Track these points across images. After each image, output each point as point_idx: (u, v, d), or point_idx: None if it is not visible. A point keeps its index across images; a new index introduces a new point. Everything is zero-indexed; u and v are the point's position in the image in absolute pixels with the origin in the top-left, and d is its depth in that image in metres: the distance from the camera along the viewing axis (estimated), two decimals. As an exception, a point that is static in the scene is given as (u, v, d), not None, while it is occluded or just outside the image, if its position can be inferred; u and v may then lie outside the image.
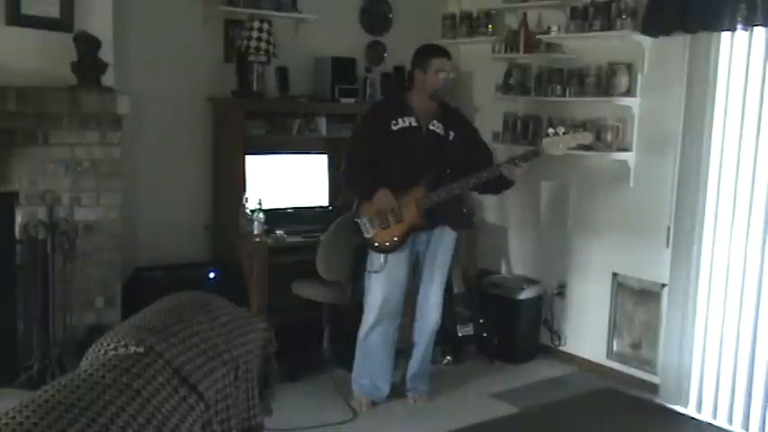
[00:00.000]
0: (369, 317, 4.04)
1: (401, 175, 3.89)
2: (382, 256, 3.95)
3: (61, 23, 3.83)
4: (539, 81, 4.86)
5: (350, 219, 4.02)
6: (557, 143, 3.80)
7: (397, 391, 4.20)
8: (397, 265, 3.97)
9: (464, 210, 4.25)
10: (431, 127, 3.96)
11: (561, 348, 4.94)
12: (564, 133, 3.82)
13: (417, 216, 3.90)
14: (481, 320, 4.79)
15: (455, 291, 4.76)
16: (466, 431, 3.15)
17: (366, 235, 3.95)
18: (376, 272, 3.97)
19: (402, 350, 4.25)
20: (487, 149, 4.19)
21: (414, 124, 3.94)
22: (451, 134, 3.98)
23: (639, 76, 4.39)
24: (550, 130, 3.86)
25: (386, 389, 4.13)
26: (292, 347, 3.96)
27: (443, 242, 4.06)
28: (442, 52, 4.00)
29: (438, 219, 3.97)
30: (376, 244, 3.95)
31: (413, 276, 4.10)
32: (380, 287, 3.98)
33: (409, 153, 3.91)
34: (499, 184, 3.99)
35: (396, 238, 3.92)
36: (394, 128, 3.93)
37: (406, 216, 3.89)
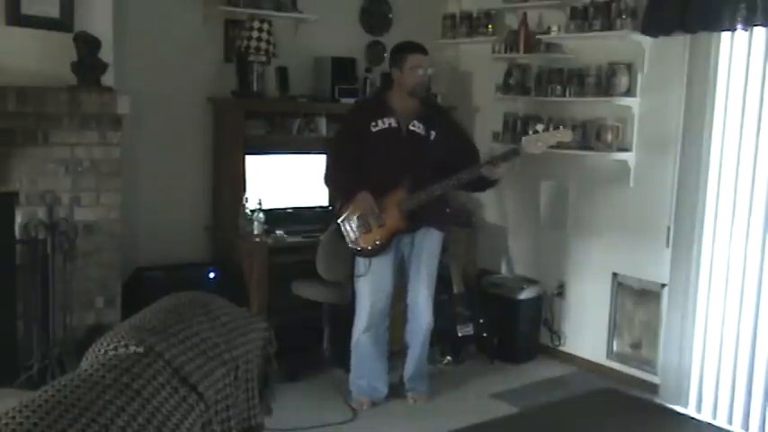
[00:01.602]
0: (359, 321, 4.05)
1: (382, 178, 3.87)
2: (367, 260, 3.94)
3: (61, 23, 3.83)
4: (539, 81, 4.86)
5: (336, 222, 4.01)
6: (535, 141, 3.77)
7: (397, 391, 4.20)
8: (382, 268, 3.96)
9: (448, 210, 4.23)
10: (411, 127, 3.94)
11: (561, 348, 4.94)
12: (544, 131, 3.79)
13: (399, 219, 3.88)
14: (481, 320, 4.79)
15: (455, 291, 4.77)
16: (466, 431, 3.15)
17: (348, 239, 3.94)
18: (361, 276, 3.97)
19: (398, 351, 4.26)
20: (472, 147, 4.16)
21: (393, 125, 3.92)
22: (433, 133, 3.95)
23: (639, 76, 4.39)
24: (530, 129, 3.85)
25: (383, 389, 4.14)
26: (292, 347, 3.95)
27: (428, 243, 4.02)
28: (418, 48, 3.96)
29: (421, 220, 3.94)
30: (359, 248, 3.94)
31: (399, 279, 4.08)
32: (367, 291, 3.98)
33: (389, 155, 3.89)
34: (482, 184, 3.98)
35: (378, 242, 3.90)
36: (373, 129, 3.91)
37: (388, 219, 3.87)
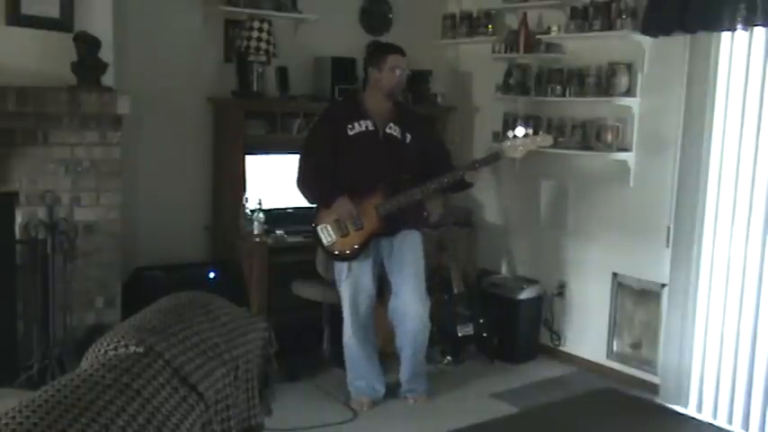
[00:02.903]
0: (346, 325, 4.05)
1: (359, 181, 3.86)
2: (345, 264, 3.93)
3: (61, 23, 3.83)
4: (539, 81, 4.86)
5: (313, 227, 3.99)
6: (516, 146, 3.79)
7: (396, 391, 4.20)
8: (362, 272, 3.95)
9: (425, 212, 4.22)
10: (388, 130, 3.93)
11: (561, 348, 4.94)
12: (524, 136, 3.80)
13: (377, 222, 3.86)
14: (481, 320, 4.79)
15: (455, 291, 4.77)
16: (466, 431, 3.15)
17: (325, 243, 3.93)
18: (342, 280, 3.97)
19: (393, 353, 4.25)
20: (444, 149, 4.18)
21: (370, 128, 3.91)
22: (408, 136, 3.96)
23: (639, 76, 4.39)
24: (510, 133, 3.86)
25: (381, 389, 4.14)
26: (292, 347, 3.96)
27: (408, 245, 4.00)
28: (397, 49, 3.97)
29: (399, 223, 3.93)
30: (336, 252, 3.93)
31: (381, 282, 4.06)
32: (348, 294, 3.98)
33: (367, 158, 3.89)
34: (460, 187, 3.98)
35: (356, 246, 3.89)
36: (350, 132, 3.90)
37: (366, 222, 3.86)
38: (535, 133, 3.89)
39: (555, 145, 4.22)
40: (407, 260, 4.00)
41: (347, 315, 4.02)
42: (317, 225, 3.95)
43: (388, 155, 3.91)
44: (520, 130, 3.84)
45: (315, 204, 4.01)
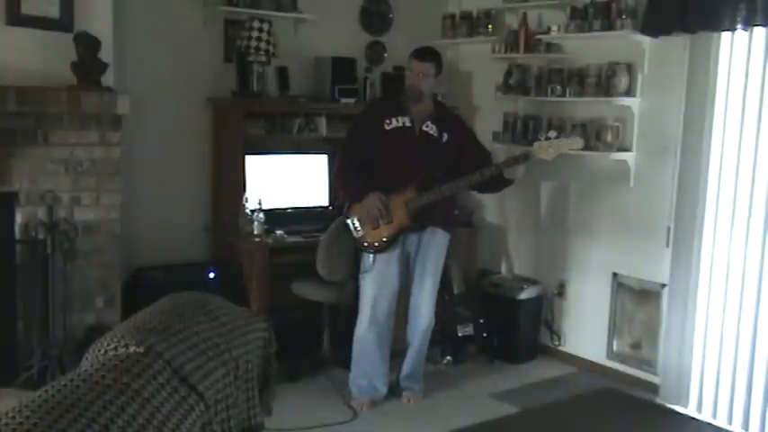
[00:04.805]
0: (362, 317, 4.06)
1: (393, 176, 3.91)
2: (371, 256, 3.96)
3: (61, 23, 3.83)
4: (539, 81, 4.86)
5: (343, 218, 4.03)
6: (547, 148, 3.81)
7: (396, 391, 4.20)
8: (387, 265, 3.98)
9: (456, 211, 4.25)
10: (424, 128, 3.97)
11: (561, 348, 4.94)
12: (556, 137, 3.81)
13: (407, 217, 3.91)
14: (481, 320, 4.79)
15: (455, 291, 4.77)
16: (466, 431, 3.15)
17: (355, 235, 3.97)
18: (366, 272, 3.99)
19: (398, 351, 4.26)
20: (484, 151, 4.17)
21: (407, 124, 3.96)
22: (445, 136, 3.98)
23: (639, 76, 4.39)
24: (541, 135, 3.86)
25: (383, 389, 4.14)
26: (292, 347, 3.95)
27: (434, 243, 4.05)
28: (415, 53, 4.01)
29: (428, 220, 3.97)
30: (365, 244, 3.97)
31: (405, 277, 4.10)
32: (371, 287, 4.00)
33: (401, 153, 3.93)
34: (497, 185, 4.00)
35: (384, 239, 3.93)
36: (387, 127, 3.95)
37: (396, 217, 3.90)
38: (566, 136, 3.88)
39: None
40: (430, 259, 4.06)
41: (365, 307, 4.03)
42: (348, 216, 3.98)
43: (423, 152, 3.95)
44: (552, 132, 3.85)
45: (350, 197, 4.05)
